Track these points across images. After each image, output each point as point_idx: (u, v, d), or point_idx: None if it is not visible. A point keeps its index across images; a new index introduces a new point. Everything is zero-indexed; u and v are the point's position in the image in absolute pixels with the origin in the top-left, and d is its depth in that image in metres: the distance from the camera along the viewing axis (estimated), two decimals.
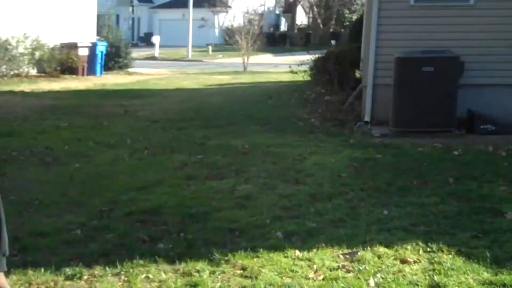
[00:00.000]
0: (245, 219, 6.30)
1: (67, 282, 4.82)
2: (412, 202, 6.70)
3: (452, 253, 5.22)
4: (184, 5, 43.77)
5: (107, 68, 24.90)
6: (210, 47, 42.43)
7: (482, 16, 11.24)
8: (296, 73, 16.92)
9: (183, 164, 8.76)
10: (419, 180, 7.48)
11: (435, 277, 4.73)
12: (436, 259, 5.11)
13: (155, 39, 39.70)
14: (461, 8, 11.40)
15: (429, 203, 6.62)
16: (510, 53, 11.04)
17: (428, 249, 5.34)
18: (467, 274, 4.76)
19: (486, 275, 4.72)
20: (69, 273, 4.91)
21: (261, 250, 5.37)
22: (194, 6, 41.14)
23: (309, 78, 17.19)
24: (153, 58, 37.34)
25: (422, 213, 6.31)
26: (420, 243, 5.45)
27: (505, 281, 4.56)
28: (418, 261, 5.11)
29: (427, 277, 4.76)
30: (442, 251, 5.27)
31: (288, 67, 19.71)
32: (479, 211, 6.29)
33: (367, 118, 11.40)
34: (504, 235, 5.59)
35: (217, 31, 52.78)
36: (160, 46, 39.92)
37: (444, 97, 10.42)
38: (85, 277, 4.93)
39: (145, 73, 25.99)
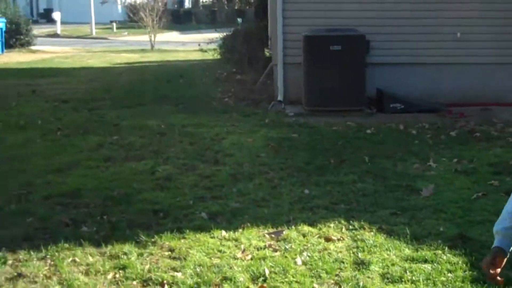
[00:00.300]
0: (168, 201, 6.30)
1: None
2: (331, 181, 6.88)
3: (374, 230, 5.41)
4: None
5: (8, 46, 23.97)
6: (114, 24, 41.53)
7: None
8: (206, 51, 16.88)
9: (98, 145, 8.62)
10: (335, 159, 7.68)
11: (359, 254, 4.90)
12: (358, 236, 5.29)
13: (56, 16, 38.45)
14: None
15: (347, 182, 6.82)
16: (416, 31, 11.40)
17: (351, 227, 5.51)
18: (390, 251, 4.95)
19: (407, 251, 4.93)
20: None
21: (187, 231, 5.40)
22: None
23: (219, 57, 17.18)
24: (55, 35, 36.21)
25: (342, 192, 6.50)
26: (342, 221, 5.62)
27: (426, 257, 4.77)
28: (341, 239, 5.26)
29: (352, 255, 4.92)
30: (364, 229, 5.45)
31: (197, 45, 19.64)
32: (395, 189, 6.53)
33: (280, 97, 11.53)
34: (421, 212, 5.84)
35: (120, 7, 51.62)
36: (62, 23, 38.73)
37: (352, 76, 10.66)
38: (10, 262, 4.83)
39: (48, 51, 25.22)
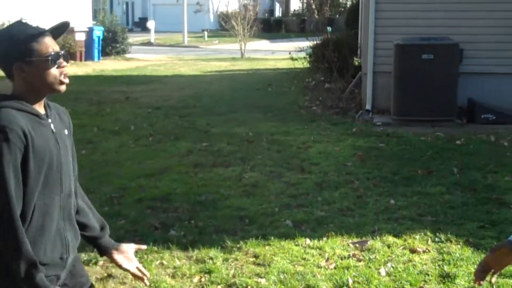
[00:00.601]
0: (254, 207, 6.40)
1: None
2: (418, 191, 6.80)
3: (461, 243, 5.33)
4: None
5: (104, 53, 24.83)
6: (205, 33, 42.31)
7: (482, 2, 11.28)
8: (295, 59, 16.94)
9: (188, 151, 8.84)
10: (423, 169, 7.58)
11: (445, 267, 4.84)
12: (445, 249, 5.22)
13: (150, 24, 39.55)
14: None
15: (434, 193, 6.72)
16: (510, 40, 11.10)
17: (437, 239, 5.45)
18: (476, 265, 4.85)
19: None
20: (85, 258, 4.99)
21: (272, 238, 5.48)
22: None
23: (308, 65, 17.22)
24: (149, 43, 37.24)
25: (429, 203, 6.42)
26: (428, 233, 5.56)
27: None
28: (427, 251, 5.21)
29: (437, 267, 4.86)
30: (451, 241, 5.38)
31: (286, 53, 19.77)
32: (485, 202, 6.40)
33: (368, 106, 11.48)
34: (511, 226, 5.69)
35: (212, 16, 52.62)
36: (155, 32, 39.80)
37: (444, 85, 10.47)
38: (100, 263, 5.03)
39: (142, 59, 25.96)
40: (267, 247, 5.33)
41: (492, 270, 2.61)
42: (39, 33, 2.46)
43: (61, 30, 2.55)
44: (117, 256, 2.76)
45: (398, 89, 10.68)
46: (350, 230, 5.69)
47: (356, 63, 15.03)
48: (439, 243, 5.35)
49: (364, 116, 11.18)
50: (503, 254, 2.57)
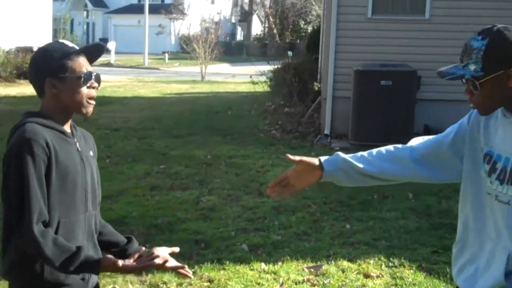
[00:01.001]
0: (210, 231, 6.37)
1: None
2: (373, 216, 6.86)
3: (413, 268, 5.38)
4: (140, 11, 43.51)
5: None
6: (166, 55, 42.29)
7: (438, 30, 11.52)
8: (256, 83, 17.02)
9: (146, 174, 8.78)
10: (379, 194, 7.64)
11: None
12: (398, 274, 5.26)
13: (111, 45, 39.33)
14: (417, 22, 11.67)
15: (389, 218, 6.79)
16: None
17: (390, 264, 5.49)
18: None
19: None
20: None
21: (227, 262, 5.46)
22: (150, 12, 40.93)
23: (268, 89, 17.31)
24: (109, 64, 37.00)
25: (384, 228, 6.47)
26: (383, 258, 5.60)
27: None
28: (380, 275, 5.24)
29: None
30: (404, 266, 5.42)
31: (246, 77, 19.84)
32: (438, 227, 6.47)
33: (327, 131, 11.57)
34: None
35: (173, 38, 52.66)
36: (116, 53, 39.59)
37: (401, 111, 10.63)
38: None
39: (102, 79, 25.57)
40: (222, 272, 5.30)
41: (292, 186, 2.55)
42: (74, 51, 2.49)
43: (96, 53, 2.60)
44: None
45: (356, 114, 10.80)
46: (305, 255, 5.70)
47: (316, 88, 15.16)
48: (393, 268, 5.39)
49: (322, 141, 11.26)
50: (305, 170, 2.55)
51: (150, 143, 11.05)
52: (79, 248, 2.38)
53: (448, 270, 5.22)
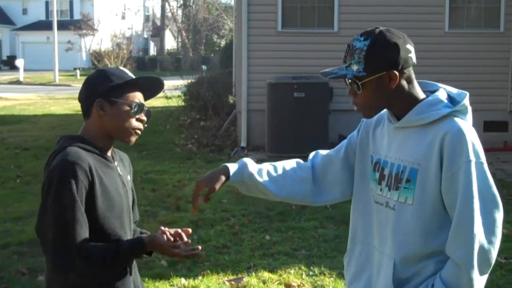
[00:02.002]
0: None
1: None
2: (292, 226, 6.89)
3: (334, 276, 5.43)
4: (49, 27, 42.58)
5: None
6: (78, 71, 41.51)
7: (346, 43, 11.61)
8: (170, 98, 16.87)
9: None
10: (297, 205, 7.69)
11: None
12: (318, 282, 5.30)
13: (19, 63, 38.27)
14: (326, 34, 11.89)
15: (308, 227, 6.84)
16: None
17: (311, 272, 5.52)
18: None
19: None
20: None
21: (146, 279, 5.36)
22: (59, 28, 40.11)
23: (183, 103, 17.22)
24: (18, 82, 35.99)
25: (303, 237, 6.51)
26: (303, 267, 5.63)
27: None
28: (301, 285, 5.26)
29: None
30: (324, 275, 5.46)
31: (161, 92, 19.64)
32: None
33: (243, 143, 11.59)
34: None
35: (84, 54, 51.72)
36: (25, 70, 38.56)
37: (315, 122, 10.77)
38: None
39: (11, 98, 25.01)
40: None
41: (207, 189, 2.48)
42: (133, 80, 2.45)
43: (154, 89, 2.57)
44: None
45: (271, 126, 10.87)
46: (226, 268, 5.66)
47: (232, 101, 15.19)
48: (313, 277, 5.42)
49: (239, 153, 11.27)
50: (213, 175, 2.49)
51: None
52: (117, 241, 2.39)
53: None
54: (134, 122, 2.46)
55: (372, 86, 2.28)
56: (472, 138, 2.20)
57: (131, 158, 9.27)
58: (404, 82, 2.29)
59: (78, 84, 35.79)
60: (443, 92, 2.34)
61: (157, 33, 61.66)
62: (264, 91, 10.95)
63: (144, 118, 2.50)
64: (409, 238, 2.27)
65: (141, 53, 56.37)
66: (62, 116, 18.31)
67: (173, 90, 17.53)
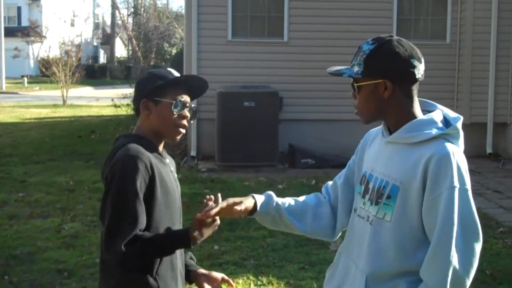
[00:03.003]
0: (73, 259, 6.13)
1: None
2: (241, 236, 6.86)
3: (282, 285, 5.42)
4: None
5: None
6: (25, 79, 40.76)
7: (296, 52, 11.86)
8: (119, 106, 16.72)
9: (3, 202, 8.34)
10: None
11: None
12: None
13: None
14: (276, 44, 11.95)
15: (257, 237, 6.82)
16: (326, 89, 11.71)
17: (259, 282, 5.50)
18: None
19: None
20: None
21: None
22: (6, 35, 39.40)
23: (132, 112, 17.06)
24: None
25: (251, 247, 6.49)
26: (251, 277, 5.60)
27: None
28: None
29: None
30: (272, 284, 5.45)
31: (110, 100, 19.45)
32: (305, 243, 6.56)
33: (193, 152, 11.53)
34: (329, 265, 5.86)
35: (32, 62, 50.85)
36: None
37: (266, 131, 10.78)
38: None
39: None
40: None
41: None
42: (175, 78, 2.58)
43: (198, 87, 2.67)
44: (206, 284, 2.78)
45: (221, 135, 10.83)
46: None
47: None
48: (261, 286, 5.41)
49: (189, 163, 11.21)
50: (239, 210, 2.47)
51: (7, 171, 10.52)
52: (167, 230, 2.52)
53: (315, 285, 5.30)
54: (177, 119, 2.57)
55: (367, 91, 2.28)
56: (460, 163, 2.17)
57: (77, 167, 9.17)
58: (401, 95, 2.27)
59: (25, 92, 35.21)
60: (439, 113, 2.31)
61: (107, 40, 61.10)
62: (214, 100, 10.92)
63: (187, 114, 2.60)
64: (383, 254, 2.26)
65: (90, 61, 55.74)
66: (8, 124, 17.91)
67: (122, 99, 17.39)
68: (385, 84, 2.24)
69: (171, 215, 2.58)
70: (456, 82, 12.21)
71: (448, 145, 2.19)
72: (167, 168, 2.62)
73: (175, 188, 2.63)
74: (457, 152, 2.19)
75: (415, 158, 2.21)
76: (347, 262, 2.42)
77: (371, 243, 2.29)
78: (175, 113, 2.55)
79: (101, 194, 7.53)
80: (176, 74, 2.63)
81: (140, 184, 2.40)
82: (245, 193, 8.18)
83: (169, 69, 2.68)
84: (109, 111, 20.61)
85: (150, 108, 2.57)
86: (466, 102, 11.97)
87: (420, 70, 2.27)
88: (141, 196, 2.41)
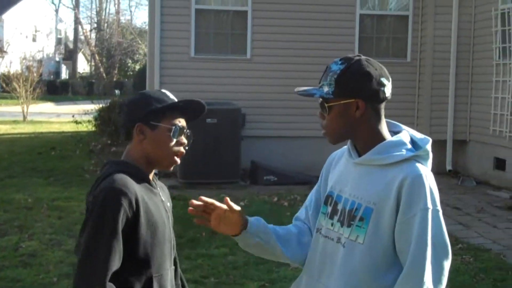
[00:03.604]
0: (30, 278, 6.02)
1: None
2: (202, 254, 6.81)
3: None
4: None
5: None
6: None
7: (259, 69, 11.91)
8: (80, 123, 16.55)
9: None
10: (207, 232, 7.61)
11: None
12: None
13: None
14: (239, 61, 11.98)
15: (218, 255, 6.77)
16: (289, 106, 11.76)
17: None
18: None
19: None
20: None
21: None
22: None
23: (94, 129, 16.89)
24: None
25: (212, 265, 6.44)
26: None
27: None
28: None
29: None
30: None
31: (71, 116, 19.24)
32: (265, 261, 6.50)
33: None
34: (290, 283, 5.84)
35: None
36: None
37: (228, 148, 10.76)
38: None
39: None
40: None
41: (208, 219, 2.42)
42: (173, 103, 2.43)
43: (195, 112, 2.52)
44: None
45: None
46: None
47: None
48: None
49: None
50: (230, 219, 2.43)
51: None
52: None
53: None
54: (175, 146, 2.44)
55: (338, 111, 2.26)
56: (431, 185, 2.20)
57: (35, 185, 9.00)
58: (371, 115, 2.27)
59: None
60: (406, 134, 2.32)
61: (70, 56, 60.57)
62: None
63: (185, 141, 2.47)
64: (356, 276, 2.24)
65: (52, 77, 55.17)
66: None
67: (83, 115, 17.22)
68: (357, 104, 2.24)
69: (162, 251, 2.42)
70: (417, 100, 12.37)
71: (420, 166, 2.22)
72: (157, 198, 2.46)
73: (165, 221, 2.45)
74: (428, 173, 2.23)
75: (388, 179, 2.21)
76: (310, 282, 2.40)
77: (343, 265, 2.27)
78: (173, 139, 2.42)
79: (60, 212, 7.44)
80: (172, 96, 2.50)
81: (122, 220, 2.25)
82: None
83: (163, 90, 2.55)
84: (70, 127, 20.40)
85: (145, 133, 2.40)
86: (426, 120, 12.13)
87: (389, 88, 2.29)
88: (119, 234, 2.25)
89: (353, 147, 2.35)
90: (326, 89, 2.26)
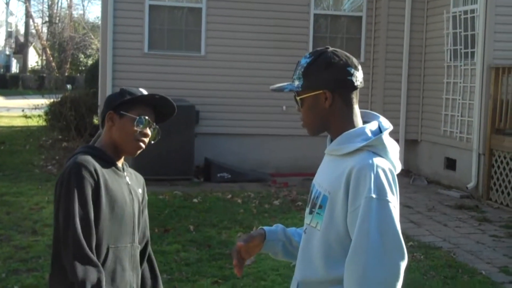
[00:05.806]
0: None
1: None
2: (154, 250, 6.65)
3: None
4: None
5: None
6: None
7: (213, 67, 11.89)
8: (30, 117, 16.22)
9: None
10: (160, 228, 7.57)
11: None
12: None
13: None
14: (193, 58, 11.93)
15: (170, 251, 6.73)
16: (244, 104, 11.77)
17: None
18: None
19: None
20: None
21: None
22: None
23: (44, 123, 16.60)
24: None
25: (164, 261, 6.39)
26: None
27: None
28: None
29: None
30: None
31: (21, 110, 18.87)
32: (218, 257, 6.53)
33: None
34: (242, 280, 5.86)
35: None
36: None
37: (181, 145, 10.69)
38: None
39: None
40: None
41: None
42: (141, 96, 2.66)
43: (164, 109, 2.73)
44: None
45: None
46: None
47: (96, 122, 14.80)
48: None
49: None
50: (255, 246, 2.53)
51: None
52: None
53: None
54: (138, 136, 2.63)
55: (309, 103, 2.30)
56: (381, 174, 2.16)
57: None
58: (341, 104, 2.29)
59: None
60: (374, 124, 2.32)
61: (20, 50, 59.43)
62: None
63: (149, 132, 2.67)
64: (312, 262, 2.27)
65: (2, 70, 54.08)
66: None
67: (33, 110, 16.89)
68: (325, 94, 2.27)
69: (120, 226, 2.60)
70: (370, 100, 12.50)
71: (372, 156, 2.20)
72: (122, 180, 2.65)
73: (127, 199, 2.64)
74: (381, 164, 2.19)
75: (341, 169, 2.23)
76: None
77: (303, 252, 2.33)
78: (136, 128, 2.62)
79: (9, 207, 7.32)
80: (146, 92, 2.71)
81: (87, 190, 2.47)
82: (159, 207, 8.10)
83: (140, 88, 2.74)
84: (20, 122, 20.01)
85: (114, 120, 2.64)
86: None
87: (358, 77, 2.31)
88: (89, 200, 2.47)
89: (330, 139, 2.38)
90: (296, 83, 2.32)
